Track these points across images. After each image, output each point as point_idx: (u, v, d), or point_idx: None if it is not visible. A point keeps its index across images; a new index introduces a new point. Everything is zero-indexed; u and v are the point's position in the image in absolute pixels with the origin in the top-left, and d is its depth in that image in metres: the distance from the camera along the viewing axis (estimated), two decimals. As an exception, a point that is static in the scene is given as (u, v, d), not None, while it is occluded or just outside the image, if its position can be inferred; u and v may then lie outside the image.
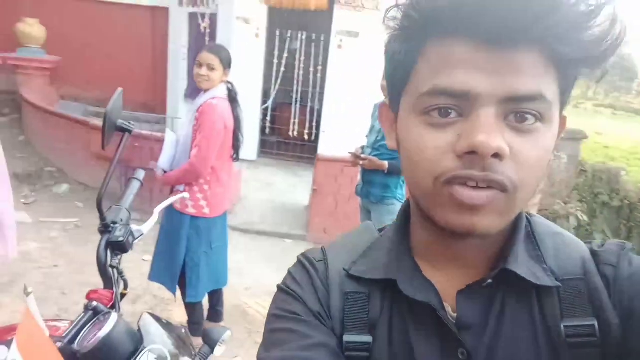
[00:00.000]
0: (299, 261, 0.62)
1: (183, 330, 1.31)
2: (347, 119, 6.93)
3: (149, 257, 3.62)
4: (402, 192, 3.63)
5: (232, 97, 2.62)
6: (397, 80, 0.53)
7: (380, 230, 0.64)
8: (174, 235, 2.61)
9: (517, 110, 0.46)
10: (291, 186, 6.16)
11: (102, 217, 1.33)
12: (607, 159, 14.14)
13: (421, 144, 0.48)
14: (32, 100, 6.48)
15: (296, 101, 7.09)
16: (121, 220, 1.35)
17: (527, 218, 0.58)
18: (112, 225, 1.32)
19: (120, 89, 1.36)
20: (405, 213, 0.61)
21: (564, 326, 0.51)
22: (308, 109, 7.14)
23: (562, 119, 0.53)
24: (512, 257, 0.52)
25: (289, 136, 7.19)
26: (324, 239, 4.92)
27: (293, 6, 6.80)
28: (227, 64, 2.53)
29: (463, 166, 0.46)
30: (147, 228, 1.41)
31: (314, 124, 7.08)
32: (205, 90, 2.51)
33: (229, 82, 2.61)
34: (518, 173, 0.46)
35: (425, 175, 0.48)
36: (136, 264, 3.78)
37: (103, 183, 1.32)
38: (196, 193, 2.57)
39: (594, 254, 0.55)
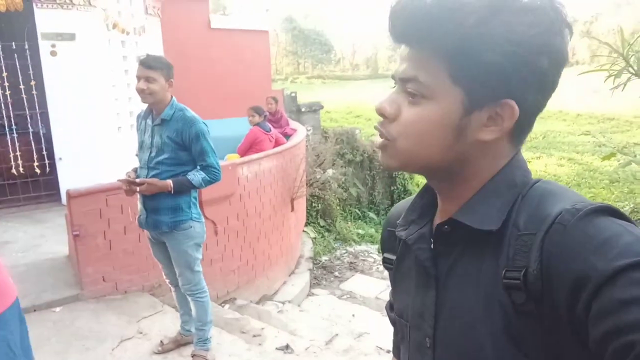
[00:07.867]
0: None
1: None
2: (88, 137, 5.80)
3: None
4: (197, 210, 3.06)
5: None
6: None
7: None
8: None
9: (406, 89, 0.67)
10: (36, 237, 4.82)
11: None
12: (333, 122, 15.99)
13: None
14: None
15: (11, 129, 5.58)
16: None
17: (533, 184, 0.67)
18: None
19: None
20: None
21: (505, 269, 0.62)
22: (31, 136, 5.71)
23: (503, 106, 0.64)
24: (462, 209, 0.68)
25: (12, 175, 5.63)
26: (106, 290, 3.97)
27: (-30, 10, 5.20)
28: None
29: None
30: None
31: (44, 152, 5.71)
32: None
33: None
34: (395, 129, 0.68)
35: None
36: None
37: None
38: None
39: (557, 213, 0.59)
